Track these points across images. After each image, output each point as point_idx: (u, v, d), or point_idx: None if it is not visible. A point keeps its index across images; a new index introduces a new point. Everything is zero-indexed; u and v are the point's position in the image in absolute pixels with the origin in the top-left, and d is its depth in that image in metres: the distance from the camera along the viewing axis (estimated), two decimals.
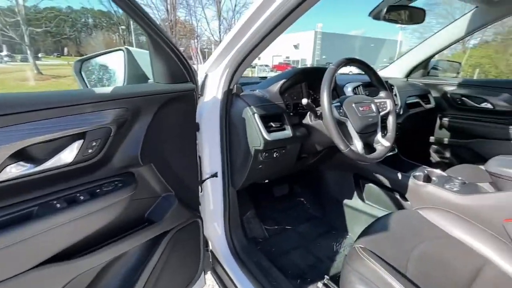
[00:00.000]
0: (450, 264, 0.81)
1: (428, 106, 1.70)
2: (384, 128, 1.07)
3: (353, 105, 0.96)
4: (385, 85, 1.12)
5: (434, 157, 1.91)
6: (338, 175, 1.49)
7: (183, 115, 0.82)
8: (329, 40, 31.95)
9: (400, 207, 1.23)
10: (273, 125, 0.99)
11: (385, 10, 1.11)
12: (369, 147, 1.02)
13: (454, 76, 1.95)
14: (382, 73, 1.87)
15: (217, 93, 0.97)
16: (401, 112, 1.46)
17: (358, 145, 0.93)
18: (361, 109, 0.97)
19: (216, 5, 17.39)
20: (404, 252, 0.81)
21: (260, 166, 1.06)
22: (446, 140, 1.82)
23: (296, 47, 32.81)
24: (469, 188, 1.02)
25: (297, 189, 1.79)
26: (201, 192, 1.09)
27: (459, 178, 1.07)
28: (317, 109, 1.00)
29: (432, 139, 1.88)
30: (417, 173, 1.13)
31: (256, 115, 0.95)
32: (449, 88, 1.74)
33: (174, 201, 0.82)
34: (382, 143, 1.01)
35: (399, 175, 1.19)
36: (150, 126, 0.71)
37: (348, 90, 1.25)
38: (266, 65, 22.17)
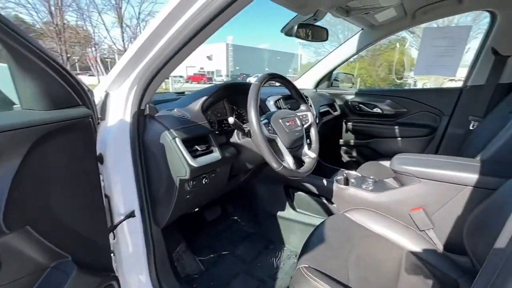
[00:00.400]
0: (379, 260, 0.87)
1: (336, 113, 1.91)
2: (308, 139, 1.11)
3: (280, 121, 0.95)
4: (305, 99, 1.16)
5: (345, 158, 2.17)
6: (269, 188, 1.48)
7: (76, 148, 0.61)
8: (240, 52, 33.76)
9: (328, 211, 1.31)
10: (199, 149, 0.87)
11: (296, 27, 1.17)
12: (298, 160, 1.03)
13: (350, 86, 2.28)
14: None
15: (124, 115, 0.79)
16: (317, 121, 1.58)
17: (289, 161, 0.92)
18: (287, 124, 0.97)
19: (116, 11, 15.56)
20: (343, 261, 0.83)
21: (188, 196, 0.92)
22: (352, 142, 2.09)
23: (210, 58, 33.18)
24: (380, 185, 1.15)
25: (230, 208, 1.70)
26: (114, 239, 0.86)
27: (371, 177, 1.21)
28: (244, 126, 0.94)
29: (341, 141, 2.13)
30: (338, 177, 1.22)
31: (177, 139, 0.81)
32: (349, 97, 2.01)
33: (71, 269, 0.60)
34: (309, 155, 1.03)
35: (324, 181, 1.26)
36: (19, 174, 0.49)
37: (271, 103, 1.26)
38: (181, 76, 21.51)
